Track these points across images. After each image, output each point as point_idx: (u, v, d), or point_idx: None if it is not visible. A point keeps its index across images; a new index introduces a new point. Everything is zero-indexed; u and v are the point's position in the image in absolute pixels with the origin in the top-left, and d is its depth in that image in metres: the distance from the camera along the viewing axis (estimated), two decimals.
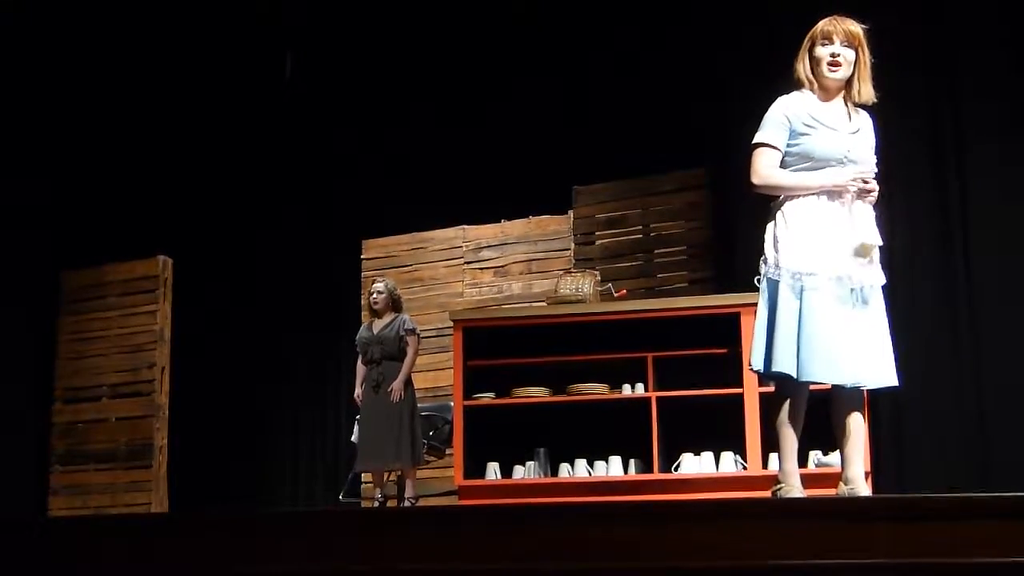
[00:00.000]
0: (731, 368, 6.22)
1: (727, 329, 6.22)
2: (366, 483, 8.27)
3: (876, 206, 4.04)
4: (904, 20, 6.90)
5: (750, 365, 4.04)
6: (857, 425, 3.98)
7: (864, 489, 3.99)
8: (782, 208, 3.99)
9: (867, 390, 3.97)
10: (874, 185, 3.96)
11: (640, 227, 8.44)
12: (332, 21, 9.13)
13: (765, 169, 4.00)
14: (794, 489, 3.94)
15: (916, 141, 6.91)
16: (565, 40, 8.64)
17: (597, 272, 7.36)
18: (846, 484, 3.96)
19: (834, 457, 5.62)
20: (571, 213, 8.69)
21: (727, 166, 7.89)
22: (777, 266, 3.93)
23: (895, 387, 3.97)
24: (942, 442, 6.75)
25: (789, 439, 3.94)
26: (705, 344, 6.36)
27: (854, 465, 3.96)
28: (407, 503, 7.27)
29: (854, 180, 3.92)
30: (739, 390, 6.16)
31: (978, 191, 6.87)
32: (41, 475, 9.23)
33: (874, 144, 4.08)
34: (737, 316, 6.20)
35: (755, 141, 4.05)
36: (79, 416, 9.30)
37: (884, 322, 3.95)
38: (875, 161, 4.07)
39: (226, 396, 9.30)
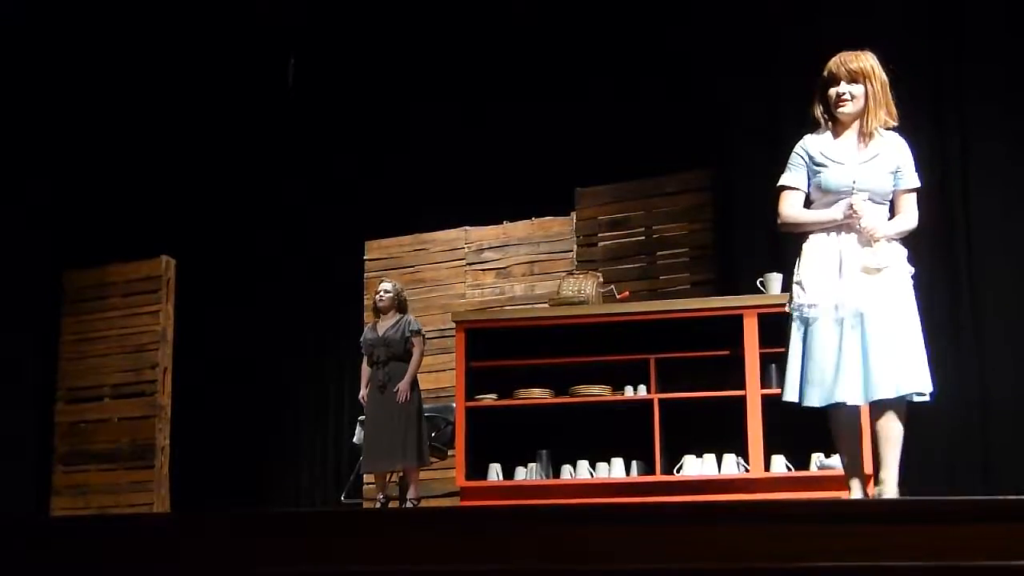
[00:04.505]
0: (733, 370, 6.21)
1: (729, 331, 6.21)
2: (368, 484, 8.27)
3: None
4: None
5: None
6: (887, 431, 4.06)
7: (893, 494, 4.06)
8: (802, 247, 4.22)
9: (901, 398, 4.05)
10: (858, 213, 4.05)
11: (643, 229, 8.43)
12: (333, 23, 9.13)
13: (785, 209, 4.26)
14: (851, 491, 4.14)
15: (917, 138, 6.93)
16: (567, 40, 8.64)
17: (600, 274, 7.35)
18: (876, 485, 4.14)
19: (837, 460, 5.61)
20: (573, 215, 8.69)
21: (730, 168, 7.90)
22: (790, 302, 4.19)
23: (922, 393, 4.01)
24: (945, 443, 6.75)
25: (842, 452, 4.21)
26: (707, 346, 6.35)
27: (888, 468, 4.07)
28: (409, 504, 7.27)
29: (848, 210, 4.08)
30: (741, 392, 6.15)
31: (981, 188, 6.89)
32: (43, 475, 9.24)
33: (903, 163, 4.18)
34: (739, 318, 6.19)
35: (778, 184, 4.29)
36: (81, 416, 9.32)
37: (900, 332, 3.99)
38: (907, 180, 4.18)
39: (228, 396, 9.31)
